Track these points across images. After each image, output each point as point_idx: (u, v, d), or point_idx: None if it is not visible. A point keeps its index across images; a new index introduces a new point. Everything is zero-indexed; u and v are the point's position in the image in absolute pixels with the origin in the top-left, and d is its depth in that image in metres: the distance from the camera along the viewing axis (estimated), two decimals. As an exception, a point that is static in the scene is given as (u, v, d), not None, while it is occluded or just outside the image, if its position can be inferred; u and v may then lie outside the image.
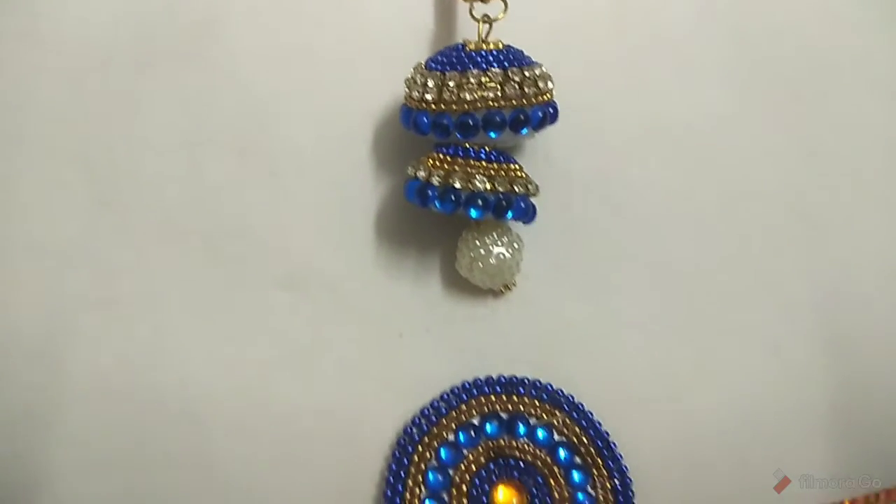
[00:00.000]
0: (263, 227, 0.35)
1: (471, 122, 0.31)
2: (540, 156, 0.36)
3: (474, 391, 0.33)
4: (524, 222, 0.33)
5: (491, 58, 0.32)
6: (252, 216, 0.35)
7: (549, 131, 0.34)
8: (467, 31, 0.35)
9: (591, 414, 0.33)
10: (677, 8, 0.38)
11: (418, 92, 0.32)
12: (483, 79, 0.31)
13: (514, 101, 0.32)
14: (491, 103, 0.31)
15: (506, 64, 0.32)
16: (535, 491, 0.32)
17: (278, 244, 0.35)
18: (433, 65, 0.32)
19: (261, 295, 0.34)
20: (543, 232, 0.35)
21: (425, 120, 0.32)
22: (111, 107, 0.35)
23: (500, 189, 0.31)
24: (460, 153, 0.32)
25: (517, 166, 0.32)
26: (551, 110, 0.32)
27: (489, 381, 0.33)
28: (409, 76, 0.33)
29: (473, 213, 0.31)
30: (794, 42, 0.38)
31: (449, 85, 0.31)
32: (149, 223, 0.34)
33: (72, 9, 0.35)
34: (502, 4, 0.34)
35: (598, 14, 0.37)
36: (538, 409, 0.33)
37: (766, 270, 0.36)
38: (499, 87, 0.31)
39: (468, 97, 0.31)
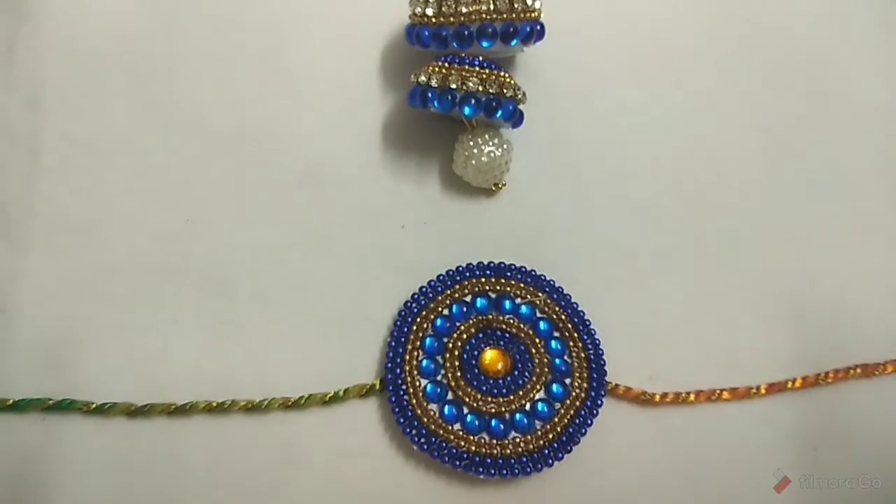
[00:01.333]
0: (283, 132, 0.39)
1: (466, 32, 0.36)
2: (531, 73, 0.41)
3: (467, 273, 0.37)
4: (512, 125, 0.37)
5: (485, -22, 0.36)
6: (274, 122, 0.39)
7: (540, 52, 0.39)
8: None
9: (570, 296, 0.37)
10: None
11: (420, 8, 0.37)
12: (478, -6, 0.36)
13: (504, 15, 0.36)
14: (484, 16, 0.36)
15: (498, -17, 0.36)
16: (517, 356, 0.36)
17: (296, 147, 0.39)
18: (435, -14, 0.37)
19: (280, 190, 0.38)
20: (532, 141, 0.40)
21: (426, 32, 0.37)
22: (150, 19, 0.40)
23: (491, 90, 0.36)
24: (456, 60, 0.36)
25: (507, 74, 0.37)
26: (538, 27, 0.37)
27: (480, 265, 0.38)
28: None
29: (467, 110, 0.36)
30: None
31: (447, 1, 0.36)
32: (184, 125, 0.39)
33: None
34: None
35: None
36: (523, 290, 0.37)
37: (731, 181, 0.41)
38: (491, 2, 0.36)
39: (464, 10, 0.36)
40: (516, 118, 0.37)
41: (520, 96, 0.37)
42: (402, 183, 0.39)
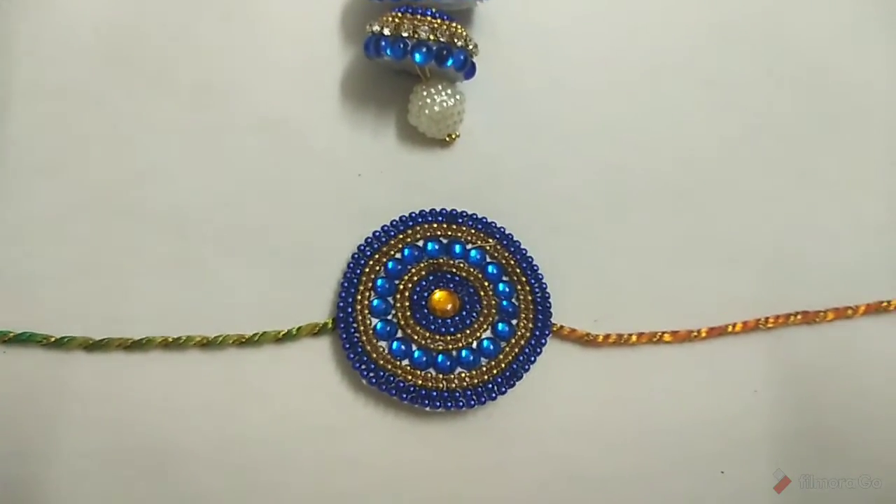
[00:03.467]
0: (244, 82, 0.41)
1: (418, -18, 0.37)
2: (487, 28, 0.42)
3: (419, 219, 0.39)
4: (464, 75, 0.39)
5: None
6: (235, 73, 0.41)
7: (496, 8, 0.40)
8: None
9: (519, 242, 0.39)
10: None
11: (378, -40, 0.38)
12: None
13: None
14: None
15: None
16: (466, 298, 0.37)
17: (256, 97, 0.40)
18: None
19: (239, 136, 0.40)
20: (487, 95, 0.41)
21: (383, -17, 0.38)
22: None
23: (442, 39, 0.37)
24: (409, 11, 0.37)
25: (459, 25, 0.38)
26: None
27: (433, 212, 0.39)
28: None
29: (418, 57, 0.37)
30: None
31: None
32: (148, 75, 0.40)
33: None
34: None
35: None
36: (473, 236, 0.39)
37: (685, 132, 0.42)
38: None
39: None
40: (468, 68, 0.38)
41: (471, 47, 0.38)
42: (360, 133, 0.40)
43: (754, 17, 0.43)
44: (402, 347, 0.36)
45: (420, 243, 0.38)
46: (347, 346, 0.35)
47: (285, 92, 0.40)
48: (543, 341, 0.36)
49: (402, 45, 0.37)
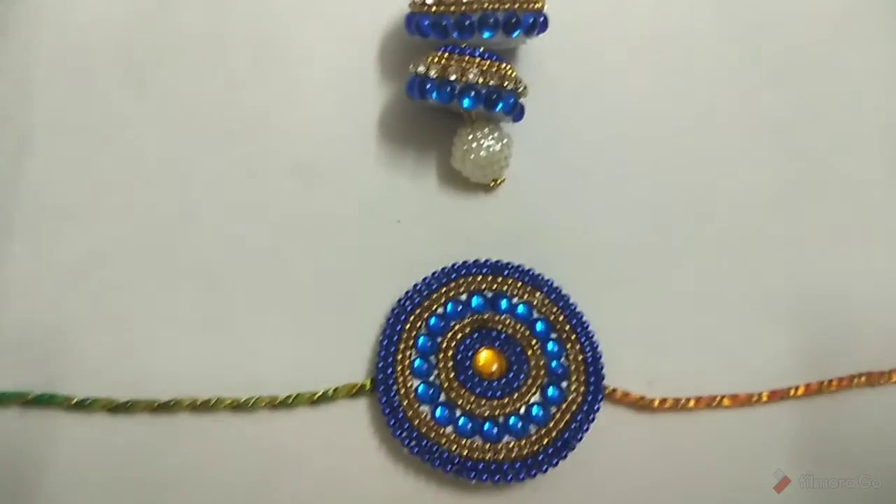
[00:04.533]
0: (278, 123, 0.38)
1: (467, 23, 0.35)
2: (534, 66, 0.39)
3: (463, 271, 0.36)
4: (512, 119, 0.36)
5: (488, -34, 0.35)
6: (268, 112, 0.38)
7: (543, 45, 0.38)
8: None
9: (568, 296, 0.36)
10: None
11: (421, -4, 0.35)
12: (480, -16, 0.35)
13: (506, 6, 0.35)
14: (486, 5, 0.35)
15: (502, -27, 0.35)
16: (513, 358, 0.35)
17: (291, 138, 0.38)
18: (435, -25, 0.36)
19: (273, 181, 0.37)
20: (533, 135, 0.39)
21: (426, 21, 0.35)
22: (143, 8, 0.38)
23: (491, 83, 0.35)
24: (456, 51, 0.35)
25: (508, 66, 0.36)
26: (541, 18, 0.36)
27: (477, 263, 0.37)
28: (415, -12, 0.36)
29: (466, 102, 0.34)
30: None
31: (448, -11, 0.35)
32: (177, 113, 0.38)
33: None
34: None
35: None
36: (520, 290, 0.36)
37: (734, 177, 0.40)
38: (493, -9, 0.35)
39: (465, 0, 0.34)
40: (517, 112, 0.36)
41: (521, 89, 0.36)
42: (399, 177, 0.38)
43: (808, 63, 0.41)
44: (446, 413, 0.34)
45: (463, 297, 0.36)
46: (387, 410, 0.33)
47: (321, 132, 0.38)
48: (596, 407, 0.34)
49: (449, 89, 0.34)
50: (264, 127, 0.38)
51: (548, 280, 0.36)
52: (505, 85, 0.35)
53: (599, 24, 0.41)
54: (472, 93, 0.34)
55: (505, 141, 0.37)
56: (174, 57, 0.38)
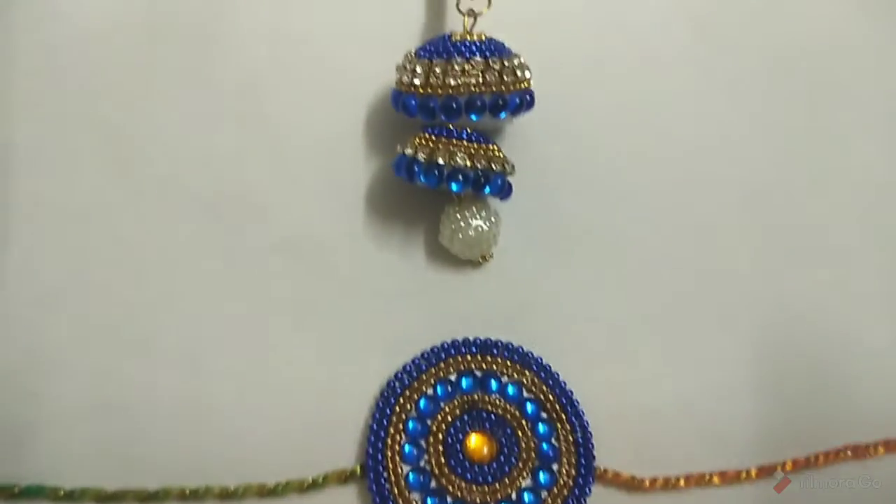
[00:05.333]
0: (261, 195, 0.38)
1: (454, 105, 0.35)
2: (518, 140, 0.39)
3: (452, 351, 0.36)
4: (501, 198, 0.36)
5: (474, 48, 0.35)
6: (251, 185, 0.38)
7: (527, 118, 0.37)
8: (455, 24, 0.38)
9: (558, 374, 0.36)
10: (648, 3, 0.41)
11: (408, 77, 0.35)
12: (466, 66, 0.35)
13: (493, 88, 0.35)
14: (473, 88, 0.35)
15: (487, 54, 0.35)
16: (504, 440, 0.35)
17: (274, 212, 0.38)
18: (422, 53, 0.36)
19: (256, 257, 0.37)
20: (520, 210, 0.39)
21: (413, 102, 0.35)
22: (123, 75, 0.38)
23: (479, 166, 0.35)
24: (444, 133, 0.35)
25: (495, 147, 0.36)
26: (528, 97, 0.36)
27: (466, 342, 0.36)
28: (401, 63, 0.36)
29: (454, 186, 0.34)
30: (760, 35, 0.42)
31: (435, 71, 0.35)
32: (157, 186, 0.37)
33: None
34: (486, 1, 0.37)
35: (573, 9, 0.41)
36: (509, 369, 0.36)
37: (720, 250, 0.40)
38: (480, 74, 0.35)
39: (452, 82, 0.35)
40: (505, 192, 0.36)
41: (508, 169, 0.36)
42: (386, 252, 0.38)
43: (805, 116, 0.41)
44: (437, 501, 0.33)
45: (453, 378, 0.36)
46: (378, 499, 0.33)
47: (305, 206, 0.38)
48: (588, 490, 0.34)
49: (437, 173, 0.34)
50: (247, 200, 0.38)
51: (537, 358, 0.37)
52: (493, 167, 0.35)
53: (585, 94, 0.41)
54: (461, 176, 0.34)
55: (493, 219, 0.37)
56: (154, 127, 0.38)
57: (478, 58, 0.35)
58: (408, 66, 0.35)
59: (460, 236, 0.36)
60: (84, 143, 0.37)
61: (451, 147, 0.35)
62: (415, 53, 0.36)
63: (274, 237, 0.37)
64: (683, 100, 0.41)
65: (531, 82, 0.36)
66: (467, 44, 0.35)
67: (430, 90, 0.35)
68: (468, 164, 0.34)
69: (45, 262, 0.36)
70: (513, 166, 0.36)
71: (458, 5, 0.37)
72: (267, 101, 0.38)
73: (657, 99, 0.41)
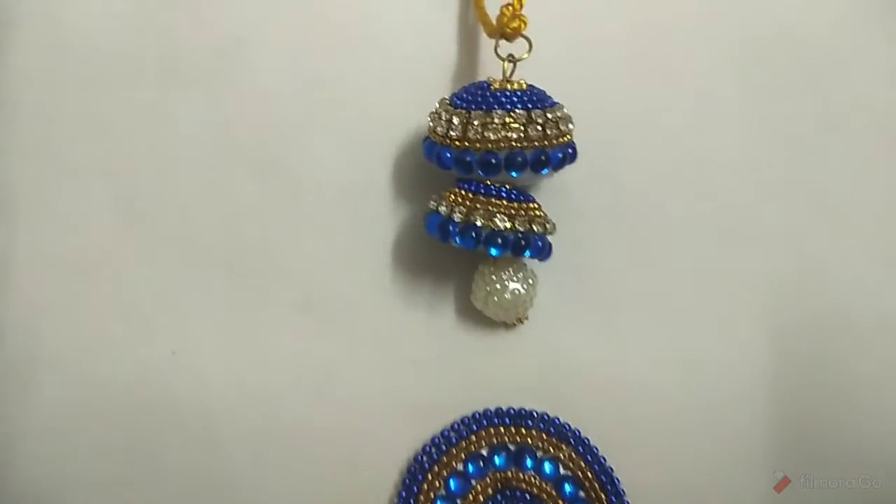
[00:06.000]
0: (283, 250, 0.35)
1: (493, 161, 0.32)
2: (556, 191, 0.37)
3: (484, 422, 0.34)
4: (540, 259, 0.34)
5: (515, 98, 0.33)
6: (273, 238, 0.35)
7: (568, 172, 0.35)
8: (489, 64, 0.36)
9: (597, 449, 0.34)
10: (692, 48, 0.39)
11: (443, 128, 0.33)
12: (507, 119, 0.32)
13: (536, 143, 0.32)
14: (514, 143, 0.32)
15: (529, 105, 0.32)
16: (539, 523, 0.32)
17: (297, 267, 0.35)
18: (458, 102, 0.33)
19: (278, 316, 0.35)
20: (557, 266, 0.36)
21: (448, 155, 0.33)
22: (136, 122, 0.35)
23: (520, 228, 0.32)
24: (482, 190, 0.32)
25: (536, 205, 0.33)
26: (570, 151, 0.33)
27: (498, 412, 0.34)
28: (435, 111, 0.34)
29: (493, 251, 0.32)
30: (809, 84, 0.39)
31: (474, 123, 0.32)
32: (172, 241, 0.35)
33: (98, 20, 0.35)
34: (526, 44, 0.34)
35: (615, 55, 0.38)
36: (545, 443, 0.34)
37: (772, 326, 0.37)
38: (522, 127, 0.32)
39: (492, 136, 0.32)
40: (545, 253, 0.33)
41: (550, 229, 0.33)
42: (413, 310, 0.36)
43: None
44: (468, 590, 0.31)
45: (485, 452, 0.33)
46: (405, 588, 0.30)
47: (329, 262, 0.36)
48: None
49: (474, 235, 0.32)
50: (266, 258, 0.35)
51: (575, 430, 0.34)
52: (534, 228, 0.32)
53: (621, 146, 0.38)
54: (500, 240, 0.32)
55: (531, 281, 0.34)
56: (169, 179, 0.35)
57: (520, 109, 0.32)
58: (443, 116, 0.33)
59: (495, 299, 0.34)
60: (92, 193, 0.35)
61: (490, 207, 0.32)
62: (450, 101, 0.33)
63: (296, 295, 0.35)
64: (729, 151, 0.39)
65: (574, 134, 0.33)
66: (508, 94, 0.33)
67: (467, 143, 0.32)
68: (508, 225, 0.32)
69: (48, 320, 0.33)
70: (554, 226, 0.34)
71: (496, 49, 0.35)
72: (288, 149, 0.36)
73: (703, 149, 0.39)
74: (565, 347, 0.36)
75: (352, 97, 0.36)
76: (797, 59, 0.39)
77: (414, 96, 0.36)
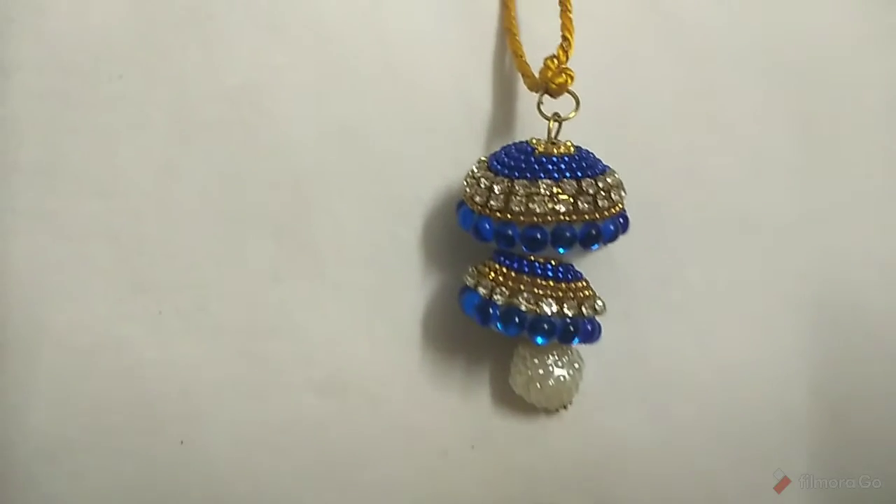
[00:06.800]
0: (302, 323, 0.32)
1: (539, 237, 0.29)
2: (602, 261, 0.33)
3: (523, 522, 0.30)
4: (588, 343, 0.30)
5: (563, 165, 0.29)
6: (290, 308, 0.32)
7: (616, 247, 0.32)
8: (528, 116, 0.33)
9: (647, 553, 0.30)
10: (742, 105, 0.36)
11: (482, 196, 0.29)
12: (555, 189, 0.29)
13: (586, 216, 0.29)
14: (562, 217, 0.29)
15: (579, 173, 0.29)
16: None
17: (317, 343, 0.32)
18: (498, 166, 0.30)
19: (296, 400, 0.31)
20: (603, 344, 0.33)
21: (488, 227, 0.30)
22: (141, 177, 0.32)
23: (568, 313, 0.29)
24: (525, 268, 0.29)
25: (584, 283, 0.30)
26: (622, 221, 0.30)
27: (540, 510, 0.30)
28: (471, 174, 0.30)
29: (539, 339, 0.29)
30: (865, 127, 0.37)
31: (517, 193, 0.29)
32: (180, 310, 0.31)
33: (101, 64, 0.32)
34: (573, 101, 0.31)
35: (660, 109, 0.36)
36: (591, 545, 0.30)
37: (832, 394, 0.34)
38: (571, 199, 0.29)
39: (538, 209, 0.29)
40: (595, 337, 0.30)
41: (600, 309, 0.30)
42: (445, 394, 0.32)
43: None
44: None
45: (524, 556, 0.29)
46: None
47: (353, 339, 0.32)
48: None
49: (517, 320, 0.28)
50: (283, 333, 0.32)
51: (624, 531, 0.30)
52: (584, 311, 0.29)
53: (669, 206, 0.35)
54: (546, 326, 0.28)
55: (576, 365, 0.31)
56: (175, 249, 0.32)
57: (568, 179, 0.29)
58: (482, 182, 0.30)
59: (538, 385, 0.30)
60: (93, 260, 0.31)
61: (535, 289, 0.29)
62: (489, 164, 0.30)
63: (316, 375, 0.32)
64: (783, 206, 0.36)
65: (624, 202, 0.30)
66: (555, 160, 0.29)
67: (509, 215, 0.29)
68: (555, 310, 0.29)
69: (48, 407, 0.30)
70: (604, 305, 0.30)
71: (539, 106, 0.31)
72: (308, 207, 0.33)
73: (760, 212, 0.36)
74: (611, 434, 0.33)
75: (377, 151, 0.33)
76: (852, 106, 0.37)
77: (446, 151, 0.34)
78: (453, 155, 0.34)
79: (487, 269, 0.30)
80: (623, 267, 0.34)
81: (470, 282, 0.30)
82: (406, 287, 0.33)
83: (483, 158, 0.31)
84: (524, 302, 0.28)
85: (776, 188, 0.36)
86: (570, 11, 0.32)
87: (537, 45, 0.32)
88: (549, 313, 0.28)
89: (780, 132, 0.36)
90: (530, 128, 0.34)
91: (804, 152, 0.36)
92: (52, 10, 0.31)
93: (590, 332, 0.29)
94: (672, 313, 0.34)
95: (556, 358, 0.31)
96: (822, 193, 0.36)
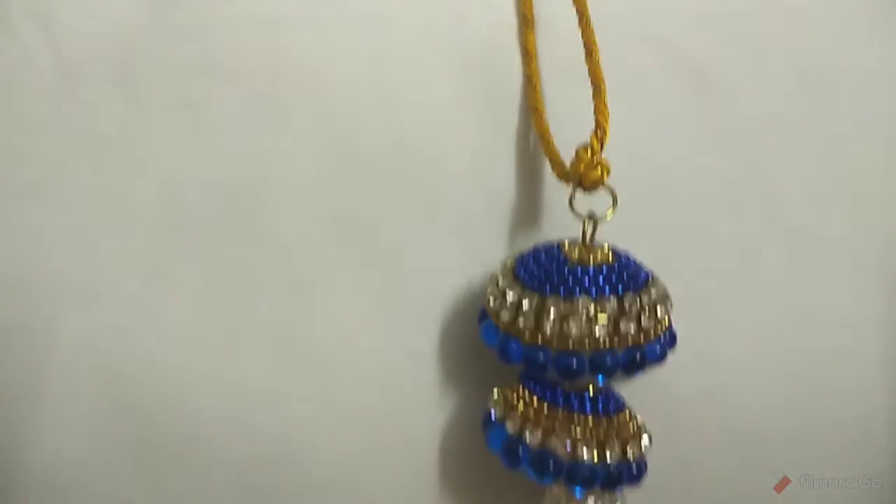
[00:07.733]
0: (306, 448, 0.28)
1: (575, 366, 0.25)
2: (644, 381, 0.29)
3: None
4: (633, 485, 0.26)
5: (601, 278, 0.25)
6: (292, 436, 0.28)
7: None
8: (556, 207, 0.30)
9: None
10: (793, 194, 0.33)
11: (508, 313, 0.26)
12: (593, 309, 0.25)
13: (630, 340, 0.25)
14: (602, 343, 0.25)
15: (620, 288, 0.25)
16: None
17: (323, 470, 0.28)
18: (527, 277, 0.26)
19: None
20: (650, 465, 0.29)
21: (515, 348, 0.26)
22: (123, 280, 0.28)
23: (612, 459, 0.24)
24: (559, 400, 0.25)
25: (628, 414, 0.26)
26: (669, 338, 0.26)
27: None
28: (496, 283, 0.27)
29: (577, 490, 0.24)
30: None
31: (549, 313, 0.25)
32: (168, 445, 0.28)
33: (84, 158, 0.29)
34: (610, 199, 0.27)
35: (702, 194, 0.32)
36: None
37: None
38: (612, 322, 0.25)
39: (574, 332, 0.25)
40: (640, 479, 0.26)
41: (646, 447, 0.26)
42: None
43: None
44: None
45: None
46: None
47: (362, 462, 0.29)
48: None
49: (552, 466, 0.24)
50: (287, 458, 0.28)
51: None
52: (629, 454, 0.24)
53: (715, 315, 0.31)
54: (587, 474, 0.24)
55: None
56: (160, 364, 0.28)
57: (608, 296, 0.25)
58: (508, 296, 0.26)
59: (575, 533, 0.26)
60: (73, 376, 0.27)
61: (573, 427, 0.25)
62: (515, 271, 0.26)
63: (317, 483, 0.28)
64: (833, 317, 0.32)
65: (671, 316, 0.26)
66: (592, 272, 0.26)
67: (540, 337, 0.25)
68: (597, 455, 0.24)
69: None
70: (651, 437, 0.26)
71: (571, 203, 0.28)
72: (311, 315, 0.29)
73: (806, 311, 0.32)
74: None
75: (386, 245, 0.30)
76: None
77: (463, 246, 0.30)
78: (473, 251, 0.30)
79: (515, 398, 0.26)
80: (667, 386, 0.30)
81: (496, 413, 0.26)
82: (421, 406, 0.30)
83: (508, 261, 0.27)
84: (558, 446, 0.24)
85: (838, 283, 0.32)
86: (604, 93, 0.28)
87: (565, 121, 0.29)
88: (589, 460, 0.24)
89: (838, 219, 0.32)
90: (560, 219, 0.30)
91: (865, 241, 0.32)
92: (28, 91, 0.28)
93: (635, 476, 0.25)
94: (723, 438, 0.31)
95: (595, 499, 0.26)
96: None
